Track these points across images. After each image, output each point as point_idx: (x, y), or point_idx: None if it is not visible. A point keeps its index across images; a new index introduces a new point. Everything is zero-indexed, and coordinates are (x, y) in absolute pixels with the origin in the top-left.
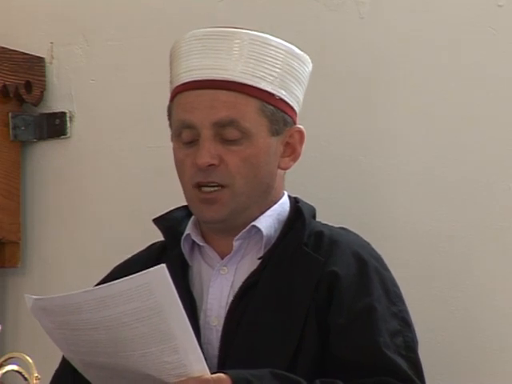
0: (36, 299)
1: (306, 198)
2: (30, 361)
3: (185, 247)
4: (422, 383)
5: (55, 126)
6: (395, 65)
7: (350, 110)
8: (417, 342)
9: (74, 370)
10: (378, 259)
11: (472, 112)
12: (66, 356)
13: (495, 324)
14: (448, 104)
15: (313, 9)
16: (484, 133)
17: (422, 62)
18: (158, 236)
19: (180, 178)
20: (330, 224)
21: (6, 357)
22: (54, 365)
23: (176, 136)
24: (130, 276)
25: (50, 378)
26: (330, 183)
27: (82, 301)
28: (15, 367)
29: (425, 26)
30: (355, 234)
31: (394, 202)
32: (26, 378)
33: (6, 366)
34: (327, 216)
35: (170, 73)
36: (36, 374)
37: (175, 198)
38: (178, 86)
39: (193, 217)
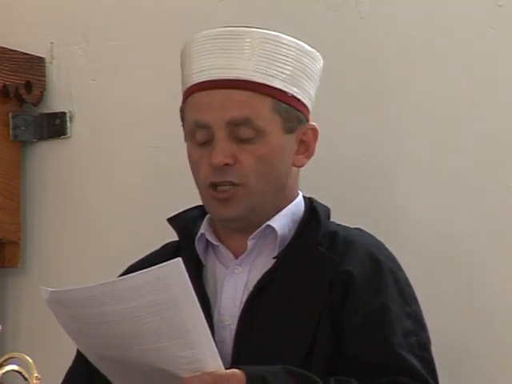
0: (52, 292)
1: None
2: (30, 361)
3: (199, 247)
4: (436, 383)
5: (55, 126)
6: (395, 65)
7: (350, 109)
8: (430, 342)
9: (88, 367)
10: (392, 259)
11: (472, 112)
12: (80, 349)
13: (498, 323)
14: (448, 104)
15: (313, 9)
16: (484, 133)
17: (422, 62)
18: (157, 236)
19: (195, 178)
20: (344, 224)
21: (6, 357)
22: (54, 365)
23: (190, 136)
24: (146, 269)
25: (50, 378)
26: (332, 183)
27: (99, 293)
28: (15, 367)
29: (425, 26)
30: (370, 235)
31: (394, 202)
32: (26, 378)
33: (5, 366)
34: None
35: (182, 74)
36: (36, 374)
37: (175, 197)
38: (190, 87)
39: (207, 216)
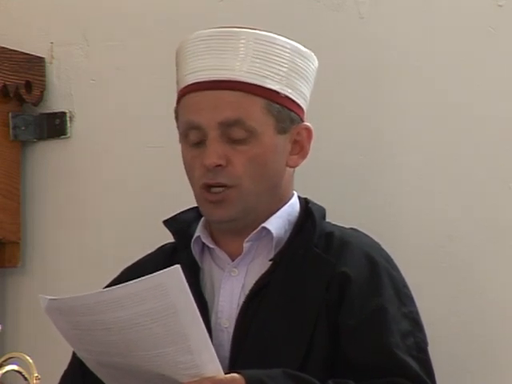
0: (51, 300)
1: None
2: (30, 361)
3: (195, 249)
4: None
5: (55, 126)
6: (395, 65)
7: (350, 109)
8: (427, 343)
9: (82, 370)
10: (389, 260)
11: (472, 112)
12: (79, 355)
13: (496, 323)
14: (447, 104)
15: (313, 9)
16: (484, 133)
17: (422, 62)
18: (157, 236)
19: (189, 179)
20: (340, 225)
21: (6, 357)
22: (54, 365)
23: (183, 137)
24: (145, 277)
25: (49, 378)
26: (328, 184)
27: (97, 301)
28: (15, 367)
29: (425, 26)
30: (365, 235)
31: (394, 202)
32: (26, 378)
33: (5, 366)
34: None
35: (176, 74)
36: (36, 374)
37: (175, 197)
38: (183, 88)
39: (202, 219)
